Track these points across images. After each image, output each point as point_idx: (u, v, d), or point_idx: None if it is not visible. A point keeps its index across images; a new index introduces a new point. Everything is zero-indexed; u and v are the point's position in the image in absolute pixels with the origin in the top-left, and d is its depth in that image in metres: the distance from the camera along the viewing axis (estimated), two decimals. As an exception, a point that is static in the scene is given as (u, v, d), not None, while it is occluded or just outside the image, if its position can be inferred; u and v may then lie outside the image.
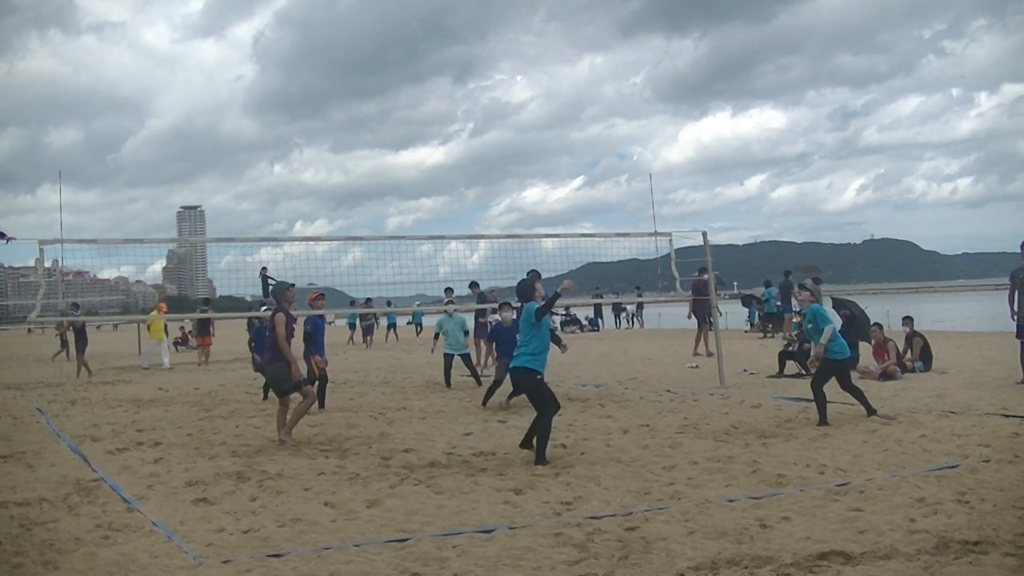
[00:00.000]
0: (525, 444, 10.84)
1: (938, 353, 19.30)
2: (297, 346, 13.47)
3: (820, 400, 12.72)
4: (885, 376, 17.25)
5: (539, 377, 10.79)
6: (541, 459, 10.30)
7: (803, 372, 18.23)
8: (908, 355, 18.66)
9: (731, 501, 8.19)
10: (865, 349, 19.19)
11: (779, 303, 32.08)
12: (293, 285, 13.44)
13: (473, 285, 24.57)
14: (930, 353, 18.84)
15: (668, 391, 16.65)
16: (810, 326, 13.19)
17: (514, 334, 13.80)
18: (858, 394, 12.99)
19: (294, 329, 12.80)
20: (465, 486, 9.20)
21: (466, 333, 21.20)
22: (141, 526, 7.95)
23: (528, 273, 12.42)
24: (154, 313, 27.52)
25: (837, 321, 13.76)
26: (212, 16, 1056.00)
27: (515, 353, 10.99)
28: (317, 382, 15.63)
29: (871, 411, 12.76)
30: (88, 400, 19.05)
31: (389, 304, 38.52)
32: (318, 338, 16.15)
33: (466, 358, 19.84)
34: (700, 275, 21.14)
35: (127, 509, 8.65)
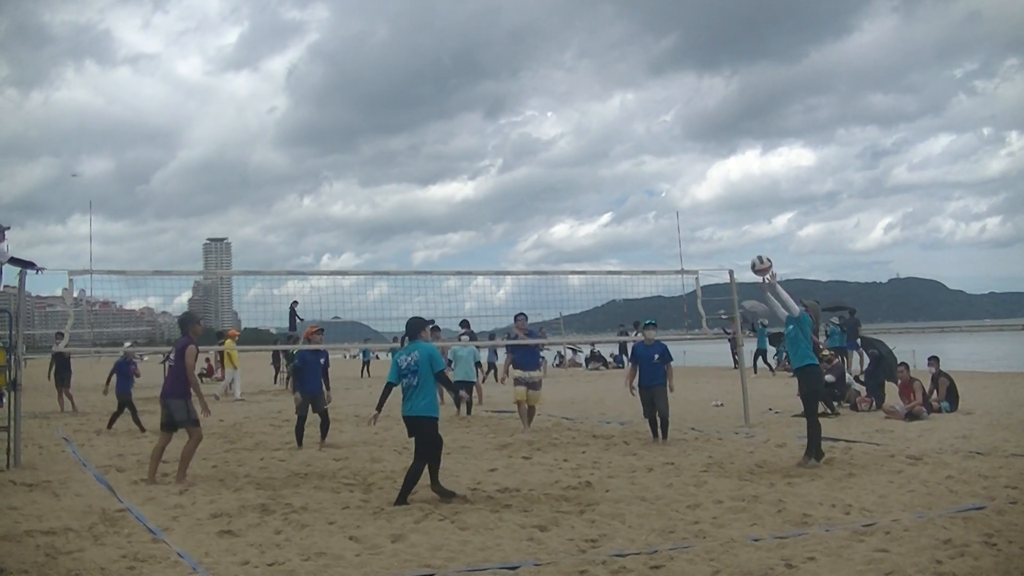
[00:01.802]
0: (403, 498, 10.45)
1: (964, 393, 19.16)
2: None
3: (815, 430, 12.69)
4: (911, 416, 17.13)
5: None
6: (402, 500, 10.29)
7: (828, 411, 18.16)
8: (934, 395, 18.54)
9: (756, 540, 8.15)
10: (891, 389, 19.11)
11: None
12: (200, 321, 13.61)
13: (463, 324, 24.44)
14: (956, 393, 18.71)
15: (693, 429, 16.58)
16: (791, 335, 13.35)
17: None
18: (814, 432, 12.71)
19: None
20: (490, 522, 9.18)
21: (478, 364, 21.31)
22: (166, 557, 7.97)
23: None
24: (229, 342, 27.21)
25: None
26: (246, 49, 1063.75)
27: (416, 399, 10.62)
28: (321, 420, 15.85)
29: (810, 457, 12.49)
30: (114, 431, 19.10)
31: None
32: (305, 373, 15.94)
33: (469, 386, 20.17)
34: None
35: (152, 540, 8.66)
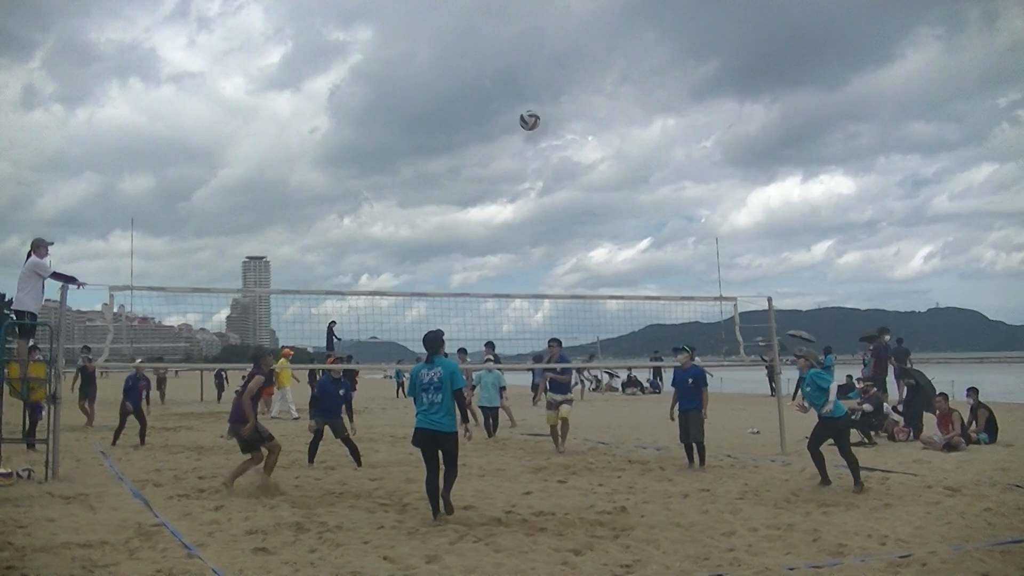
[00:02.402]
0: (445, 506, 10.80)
1: (1004, 425, 18.96)
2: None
3: (818, 460, 13.22)
4: (949, 447, 16.98)
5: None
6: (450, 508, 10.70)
7: (865, 440, 18.04)
8: (973, 426, 18.37)
9: (791, 569, 8.11)
10: (929, 419, 18.95)
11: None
12: (270, 355, 14.43)
13: (488, 345, 24.46)
14: (995, 425, 18.52)
15: (729, 456, 16.48)
16: (808, 389, 13.53)
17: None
18: (852, 463, 12.90)
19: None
20: (524, 545, 9.16)
21: (502, 389, 21.39)
22: (201, 573, 8.01)
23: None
24: (283, 361, 27.21)
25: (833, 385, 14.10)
26: (289, 69, 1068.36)
27: (438, 415, 10.74)
28: (347, 448, 15.96)
29: (859, 485, 12.54)
30: (150, 445, 19.23)
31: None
32: (323, 402, 16.03)
33: (493, 411, 20.27)
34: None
35: (187, 555, 8.70)
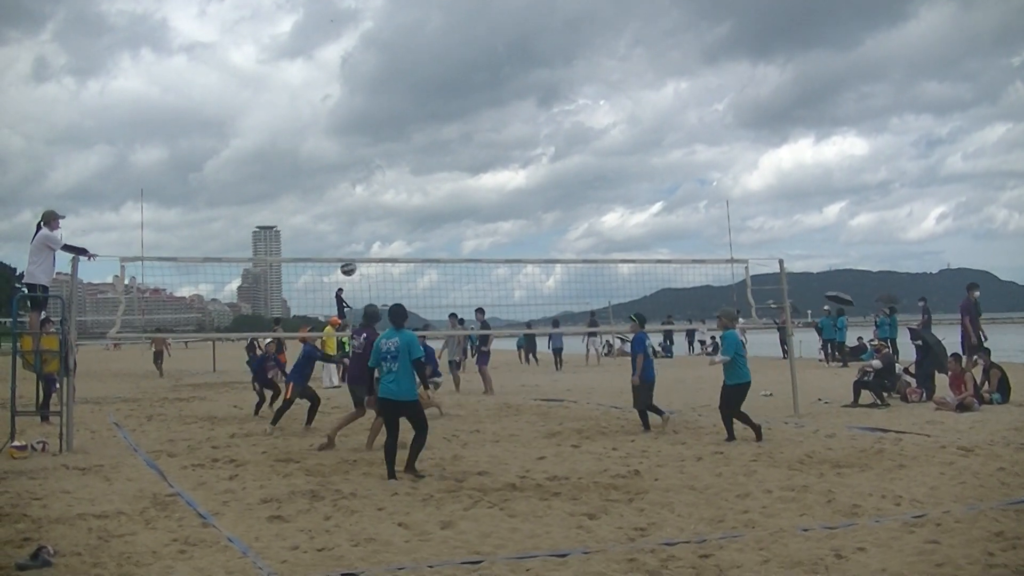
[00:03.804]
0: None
1: (1016, 385, 18.92)
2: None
3: (727, 421, 14.11)
4: (962, 408, 16.93)
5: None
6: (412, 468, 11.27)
7: (878, 402, 18.01)
8: (986, 387, 18.32)
9: (806, 531, 8.09)
10: (942, 380, 18.91)
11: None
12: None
13: (478, 311, 24.58)
14: (1008, 385, 18.46)
15: (742, 419, 16.49)
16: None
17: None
18: (745, 418, 14.03)
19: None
20: (538, 510, 9.17)
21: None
22: (216, 541, 8.02)
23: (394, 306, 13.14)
24: (328, 328, 27.03)
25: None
26: (301, 37, 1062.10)
27: (395, 383, 11.19)
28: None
29: (730, 436, 13.83)
30: (164, 416, 19.31)
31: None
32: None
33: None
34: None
35: (203, 524, 8.73)
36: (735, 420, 14.00)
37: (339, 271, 18.26)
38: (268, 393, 19.30)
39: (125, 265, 15.11)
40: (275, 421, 16.15)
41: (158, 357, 36.93)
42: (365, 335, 14.09)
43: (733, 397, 14.01)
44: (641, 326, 16.37)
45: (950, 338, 22.07)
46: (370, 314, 14.66)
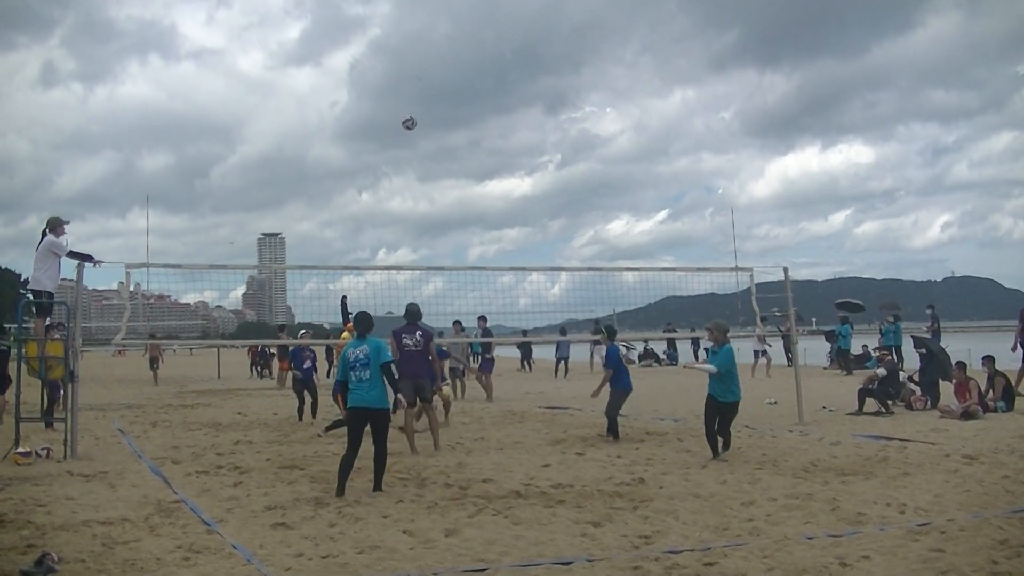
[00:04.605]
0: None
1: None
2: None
3: (710, 438, 13.16)
4: (967, 415, 16.92)
5: None
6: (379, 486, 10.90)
7: (883, 410, 18.02)
8: (990, 395, 18.32)
9: (810, 539, 8.11)
10: (947, 388, 18.90)
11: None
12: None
13: (481, 319, 24.65)
14: (1013, 393, 18.47)
15: (747, 426, 16.40)
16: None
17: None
18: (728, 439, 13.29)
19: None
20: (543, 517, 9.17)
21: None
22: (221, 548, 8.03)
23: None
24: (345, 334, 26.99)
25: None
26: (308, 44, 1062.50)
27: (367, 391, 10.91)
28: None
29: (716, 454, 12.99)
30: (168, 423, 19.31)
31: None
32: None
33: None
34: None
35: (207, 531, 8.74)
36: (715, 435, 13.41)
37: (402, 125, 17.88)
38: (308, 398, 19.26)
39: (130, 271, 15.17)
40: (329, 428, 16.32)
41: (154, 363, 36.32)
42: (420, 332, 14.47)
43: (729, 414, 13.44)
44: (611, 338, 16.31)
45: (955, 345, 22.05)
46: (413, 312, 14.88)
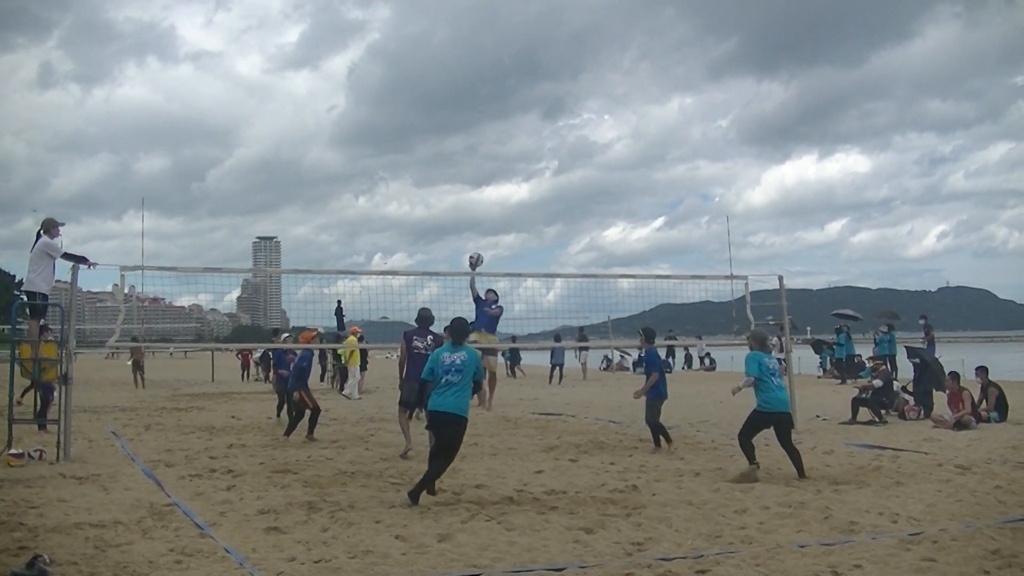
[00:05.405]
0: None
1: (1014, 404, 18.93)
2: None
3: (746, 448, 12.36)
4: (960, 426, 16.96)
5: None
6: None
7: (876, 419, 18.04)
8: (983, 405, 18.34)
9: (802, 547, 8.13)
10: (940, 398, 18.93)
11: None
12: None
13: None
14: (1006, 404, 18.49)
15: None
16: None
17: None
18: (794, 455, 12.36)
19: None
20: (536, 523, 9.17)
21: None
22: (213, 552, 8.02)
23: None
24: (351, 339, 26.89)
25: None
26: (307, 47, 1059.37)
27: (454, 397, 10.72)
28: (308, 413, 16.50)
29: (801, 474, 12.07)
30: (162, 426, 19.29)
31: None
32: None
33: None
34: None
35: (200, 535, 8.73)
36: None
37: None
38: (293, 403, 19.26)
39: (125, 274, 15.14)
40: (288, 432, 16.46)
41: (137, 367, 35.74)
42: (432, 337, 14.23)
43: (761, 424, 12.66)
44: (650, 342, 16.11)
45: (948, 355, 22.07)
46: (425, 317, 14.66)
